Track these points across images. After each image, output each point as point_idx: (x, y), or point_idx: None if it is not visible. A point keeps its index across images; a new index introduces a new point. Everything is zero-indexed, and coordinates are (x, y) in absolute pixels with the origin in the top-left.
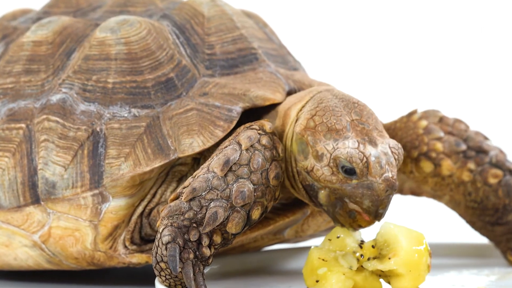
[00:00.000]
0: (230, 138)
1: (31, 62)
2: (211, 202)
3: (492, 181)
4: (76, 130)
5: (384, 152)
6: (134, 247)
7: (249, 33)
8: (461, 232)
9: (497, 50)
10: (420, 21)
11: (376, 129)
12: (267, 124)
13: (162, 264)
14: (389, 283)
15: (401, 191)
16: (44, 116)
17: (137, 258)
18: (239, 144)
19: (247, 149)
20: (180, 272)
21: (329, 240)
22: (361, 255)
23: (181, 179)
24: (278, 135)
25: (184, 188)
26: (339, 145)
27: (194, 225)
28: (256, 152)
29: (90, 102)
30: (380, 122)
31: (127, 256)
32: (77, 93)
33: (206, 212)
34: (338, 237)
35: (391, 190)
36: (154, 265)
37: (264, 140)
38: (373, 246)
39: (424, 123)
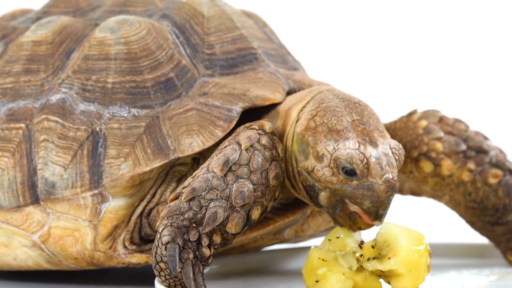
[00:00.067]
0: (229, 138)
1: (31, 62)
2: (210, 202)
3: (492, 181)
4: (76, 130)
5: (384, 153)
6: (133, 247)
7: (249, 33)
8: (461, 232)
9: (497, 50)
10: (420, 21)
11: (377, 129)
12: (266, 124)
13: (162, 264)
14: (389, 283)
15: (401, 191)
16: (44, 116)
17: (137, 258)
18: (239, 144)
19: (246, 149)
20: (180, 272)
21: (329, 240)
22: (361, 255)
23: (180, 179)
24: (279, 135)
25: (183, 188)
26: (339, 146)
27: (194, 225)
28: (256, 152)
29: (90, 102)
30: (381, 122)
31: (127, 256)
32: (77, 93)
33: (205, 212)
34: (338, 237)
35: (391, 191)
36: (154, 265)
37: (264, 140)
38: (373, 246)
39: (424, 123)
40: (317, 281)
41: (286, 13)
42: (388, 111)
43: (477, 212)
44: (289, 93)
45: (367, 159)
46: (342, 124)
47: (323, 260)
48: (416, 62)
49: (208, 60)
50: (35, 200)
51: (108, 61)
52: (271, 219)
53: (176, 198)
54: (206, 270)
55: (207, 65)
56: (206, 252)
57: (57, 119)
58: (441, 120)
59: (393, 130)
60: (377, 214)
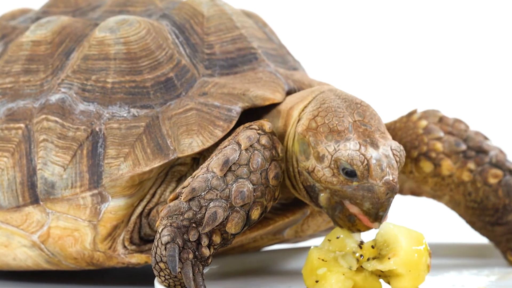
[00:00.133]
0: (229, 138)
1: (30, 62)
2: (210, 202)
3: (492, 181)
4: (75, 130)
5: (385, 155)
6: (133, 247)
7: (249, 33)
8: (461, 232)
9: (497, 50)
10: (420, 21)
11: (378, 130)
12: (266, 124)
13: (162, 264)
14: (388, 283)
15: (401, 191)
16: (43, 116)
17: (137, 258)
18: (239, 144)
19: (246, 149)
20: (180, 272)
21: (329, 240)
22: (361, 255)
23: (180, 179)
24: (280, 135)
25: (183, 188)
26: (340, 147)
27: (194, 225)
28: (256, 152)
29: (89, 102)
30: (383, 123)
31: (126, 256)
32: (76, 93)
33: (205, 212)
34: (337, 238)
35: (391, 193)
36: (154, 265)
37: (264, 140)
38: (372, 247)
39: (424, 123)
40: (317, 281)
41: (286, 13)
42: (388, 111)
43: (477, 212)
44: (289, 93)
45: (367, 161)
46: (343, 125)
47: (323, 260)
48: (416, 62)
49: (208, 60)
50: (35, 200)
51: (107, 61)
52: (271, 219)
53: (176, 198)
54: (205, 270)
55: (207, 65)
56: (206, 252)
57: (57, 119)
58: (441, 120)
59: (393, 130)
60: (377, 215)
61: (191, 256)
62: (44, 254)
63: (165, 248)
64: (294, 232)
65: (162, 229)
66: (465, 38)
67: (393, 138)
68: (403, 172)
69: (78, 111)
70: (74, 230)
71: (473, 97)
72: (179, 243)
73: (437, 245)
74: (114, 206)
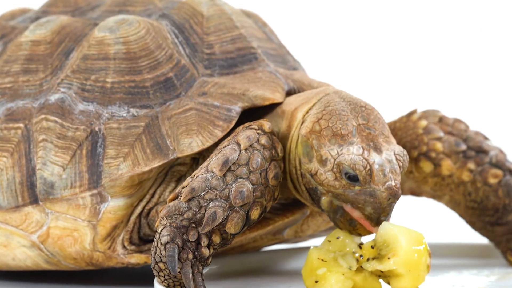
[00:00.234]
0: (229, 138)
1: (30, 62)
2: (210, 202)
3: (492, 181)
4: (75, 130)
5: (388, 160)
6: (132, 247)
7: (248, 33)
8: (461, 232)
9: (497, 50)
10: (420, 21)
11: (382, 134)
12: (266, 124)
13: (161, 265)
14: (388, 283)
15: (401, 191)
16: (43, 116)
17: (136, 259)
18: (238, 144)
19: (246, 149)
20: (179, 272)
21: (329, 241)
22: (361, 256)
23: (180, 179)
24: (283, 136)
25: (183, 188)
26: (343, 151)
27: (193, 225)
28: (255, 152)
29: (89, 102)
30: (387, 126)
31: (126, 257)
32: (76, 93)
33: (205, 212)
34: (337, 238)
35: (393, 199)
36: (153, 266)
37: (263, 139)
38: (372, 247)
39: (423, 123)
40: (316, 281)
41: (286, 13)
42: (388, 111)
43: (477, 212)
44: (288, 92)
45: (370, 166)
46: (347, 129)
47: (322, 260)
48: (416, 62)
49: (208, 59)
50: (34, 200)
51: (107, 61)
52: (270, 219)
53: (175, 198)
54: (205, 270)
55: (207, 64)
56: (206, 252)
57: (56, 119)
58: (441, 120)
59: (393, 130)
60: (378, 220)
61: (190, 256)
62: (43, 254)
63: (165, 248)
64: (293, 232)
65: (162, 229)
66: (465, 38)
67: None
68: None
69: (77, 111)
70: (74, 230)
71: (473, 97)
72: (179, 243)
73: (437, 245)
74: (114, 206)
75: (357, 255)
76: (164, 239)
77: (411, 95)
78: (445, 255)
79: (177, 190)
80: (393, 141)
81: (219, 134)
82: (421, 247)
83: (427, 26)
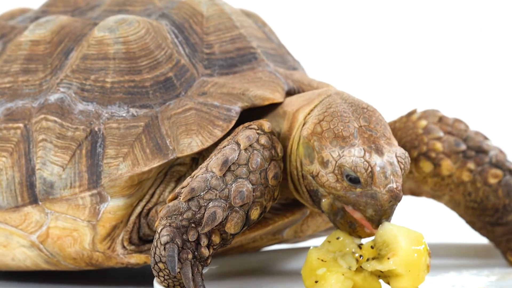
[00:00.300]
0: (228, 137)
1: (29, 62)
2: (209, 202)
3: (492, 181)
4: (74, 130)
5: (390, 162)
6: (132, 247)
7: (248, 33)
8: (461, 232)
9: (497, 50)
10: (420, 21)
11: (384, 136)
12: (265, 124)
13: (161, 265)
14: (388, 283)
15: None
16: (42, 116)
17: (136, 259)
18: (238, 144)
19: (245, 149)
20: (179, 272)
21: (329, 242)
22: (360, 256)
23: (179, 179)
24: (285, 137)
25: (182, 188)
26: (344, 153)
27: (193, 225)
28: (255, 152)
29: (88, 101)
30: (389, 128)
31: (126, 257)
32: (75, 93)
33: (204, 212)
34: (337, 239)
35: (394, 201)
36: (153, 266)
37: (263, 139)
38: (372, 247)
39: (423, 123)
40: (316, 282)
41: (286, 12)
42: (388, 111)
43: (477, 212)
44: (288, 92)
45: (371, 168)
46: (348, 131)
47: (322, 260)
48: (416, 62)
49: (207, 59)
50: (34, 200)
51: (106, 61)
52: (270, 219)
53: (175, 198)
54: (205, 271)
55: (206, 64)
56: (205, 252)
57: (56, 118)
58: (441, 120)
59: (393, 130)
60: (379, 222)
61: (190, 256)
62: (43, 254)
63: (164, 248)
64: (293, 232)
65: (161, 229)
66: (465, 38)
67: None
68: None
69: (77, 110)
70: (73, 230)
71: (473, 97)
72: (178, 243)
73: (437, 245)
74: (113, 206)
75: (356, 255)
76: (164, 239)
77: (411, 95)
78: (445, 255)
79: (177, 190)
80: (395, 143)
81: (219, 134)
82: (420, 247)
83: (427, 26)
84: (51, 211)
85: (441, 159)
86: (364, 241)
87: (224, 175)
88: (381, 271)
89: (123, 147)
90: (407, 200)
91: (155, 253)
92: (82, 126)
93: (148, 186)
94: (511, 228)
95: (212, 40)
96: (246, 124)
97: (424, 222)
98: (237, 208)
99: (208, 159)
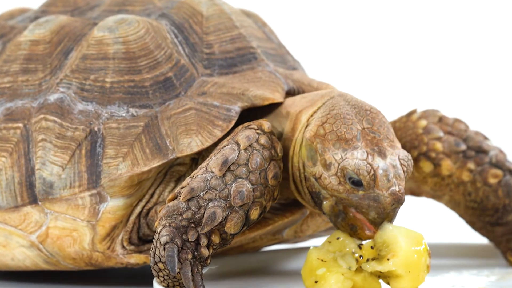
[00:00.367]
0: (228, 137)
1: (29, 62)
2: (209, 202)
3: (492, 181)
4: (74, 129)
5: (392, 165)
6: (132, 247)
7: (248, 32)
8: (461, 232)
9: (497, 50)
10: (420, 21)
11: (387, 138)
12: (265, 124)
13: (160, 265)
14: (388, 283)
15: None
16: (42, 116)
17: (135, 259)
18: (238, 144)
19: (245, 149)
20: (178, 272)
21: (329, 242)
22: (360, 256)
23: (179, 179)
24: (287, 138)
25: (182, 188)
26: (347, 156)
27: (193, 225)
28: (255, 151)
29: (88, 101)
30: (392, 130)
31: (125, 257)
32: (75, 93)
33: (204, 212)
34: (338, 239)
35: (397, 204)
36: (152, 266)
37: (263, 139)
38: (372, 247)
39: (423, 122)
40: (316, 282)
41: (286, 12)
42: (388, 111)
43: (477, 212)
44: (288, 92)
45: (374, 171)
46: (351, 133)
47: (322, 260)
48: (416, 62)
49: (207, 59)
50: (33, 200)
51: (106, 61)
52: (270, 219)
53: (175, 198)
54: (204, 271)
55: (206, 64)
56: (205, 252)
57: (55, 118)
58: (441, 120)
59: (393, 130)
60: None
61: (190, 256)
62: (42, 254)
63: (164, 248)
64: (293, 232)
65: (161, 229)
66: (465, 38)
67: None
68: None
69: (76, 110)
70: (73, 230)
71: (473, 97)
72: (178, 243)
73: (437, 245)
74: (113, 206)
75: (356, 255)
76: (164, 239)
77: (411, 95)
78: (445, 255)
79: (177, 190)
80: (398, 145)
81: (219, 134)
82: (420, 247)
83: (427, 26)
84: (51, 211)
85: (441, 159)
86: (364, 241)
87: (223, 175)
88: (381, 272)
89: (122, 147)
90: (407, 200)
91: (154, 253)
92: (81, 126)
93: (147, 186)
94: (511, 228)
95: (212, 40)
96: (245, 124)
97: (424, 222)
98: (236, 208)
99: (207, 159)
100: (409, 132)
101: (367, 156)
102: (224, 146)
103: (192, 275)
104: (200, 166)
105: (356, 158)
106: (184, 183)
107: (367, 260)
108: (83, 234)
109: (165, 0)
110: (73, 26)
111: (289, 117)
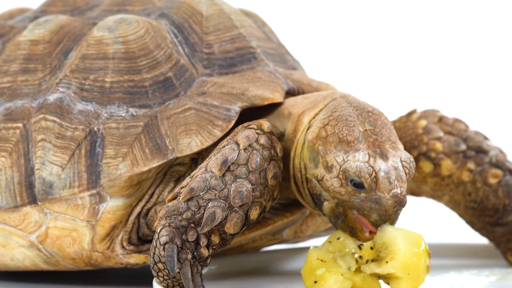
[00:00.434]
0: (228, 137)
1: (28, 61)
2: (209, 202)
3: (492, 181)
4: (74, 129)
5: (394, 167)
6: (131, 247)
7: (248, 32)
8: (461, 232)
9: (497, 50)
10: (420, 21)
11: (389, 140)
12: (265, 124)
13: (160, 265)
14: (388, 284)
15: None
16: (41, 116)
17: (135, 259)
18: (237, 144)
19: (245, 149)
20: (178, 272)
21: (329, 242)
22: (360, 256)
23: (178, 179)
24: (289, 139)
25: (182, 188)
26: (349, 158)
27: (192, 225)
28: (254, 151)
29: (88, 101)
30: (394, 132)
31: (125, 257)
32: (75, 93)
33: (204, 212)
34: (338, 239)
35: (399, 206)
36: (152, 266)
37: (262, 139)
38: (371, 248)
39: (423, 122)
40: (315, 282)
41: (285, 12)
42: (388, 111)
43: (477, 213)
44: (288, 92)
45: (375, 173)
46: (353, 135)
47: (322, 260)
48: (416, 62)
49: (207, 59)
50: (33, 200)
51: (106, 61)
52: (270, 219)
53: (174, 198)
54: (204, 271)
55: (206, 64)
56: (205, 252)
57: (55, 118)
58: (441, 120)
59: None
60: None
61: (189, 256)
62: (42, 254)
63: (164, 249)
64: (293, 232)
65: (161, 229)
66: (465, 38)
67: None
68: None
69: (76, 110)
70: (72, 230)
71: (473, 97)
72: (178, 243)
73: (437, 246)
74: (113, 206)
75: (356, 255)
76: (163, 239)
77: (411, 95)
78: (445, 255)
79: (176, 190)
80: (400, 147)
81: (218, 134)
82: (420, 249)
83: (427, 26)
84: (50, 211)
85: (441, 159)
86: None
87: (223, 175)
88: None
89: (122, 147)
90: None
91: (154, 253)
92: (81, 126)
93: (147, 186)
94: (511, 228)
95: (211, 40)
96: (245, 124)
97: (424, 222)
98: (236, 208)
99: (207, 159)
100: (409, 132)
101: (369, 158)
102: (224, 146)
103: (191, 275)
104: (199, 166)
105: (358, 161)
106: (184, 183)
107: (367, 262)
108: (82, 234)
109: (164, 0)
110: (73, 26)
111: (291, 118)
